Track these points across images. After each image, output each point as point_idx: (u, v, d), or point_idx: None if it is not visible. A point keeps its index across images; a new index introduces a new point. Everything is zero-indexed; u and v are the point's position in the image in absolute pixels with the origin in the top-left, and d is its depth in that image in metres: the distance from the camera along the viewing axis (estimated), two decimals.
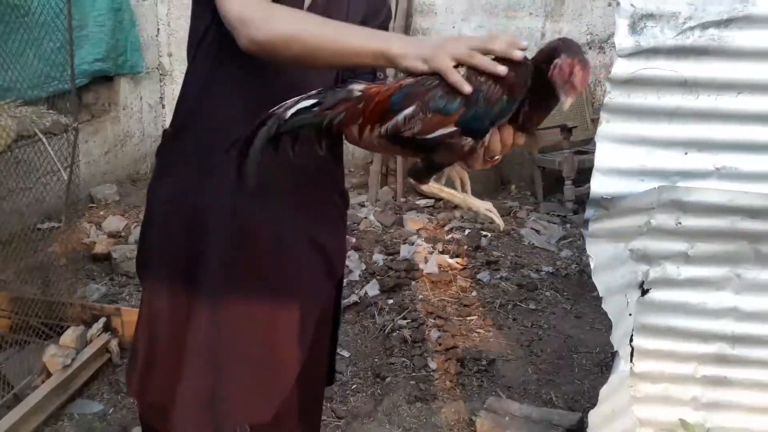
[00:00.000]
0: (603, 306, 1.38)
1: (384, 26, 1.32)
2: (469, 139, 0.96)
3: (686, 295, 1.41)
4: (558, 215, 4.29)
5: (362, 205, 4.36)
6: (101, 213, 4.03)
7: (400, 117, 0.97)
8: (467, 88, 0.93)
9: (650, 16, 1.24)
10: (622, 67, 1.27)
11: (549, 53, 0.93)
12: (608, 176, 1.32)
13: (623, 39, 1.25)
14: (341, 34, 1.02)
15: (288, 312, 1.28)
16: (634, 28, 1.25)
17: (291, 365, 1.30)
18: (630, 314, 1.42)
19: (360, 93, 1.02)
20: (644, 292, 1.41)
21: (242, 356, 1.27)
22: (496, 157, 1.00)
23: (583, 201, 4.25)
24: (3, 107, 2.12)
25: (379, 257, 3.51)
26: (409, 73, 1.00)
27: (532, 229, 3.99)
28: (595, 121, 4.53)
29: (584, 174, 4.17)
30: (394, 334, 2.79)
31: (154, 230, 1.32)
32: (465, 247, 3.69)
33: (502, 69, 0.93)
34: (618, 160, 1.32)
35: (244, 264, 1.25)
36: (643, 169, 1.32)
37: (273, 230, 1.25)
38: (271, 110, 1.02)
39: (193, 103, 1.27)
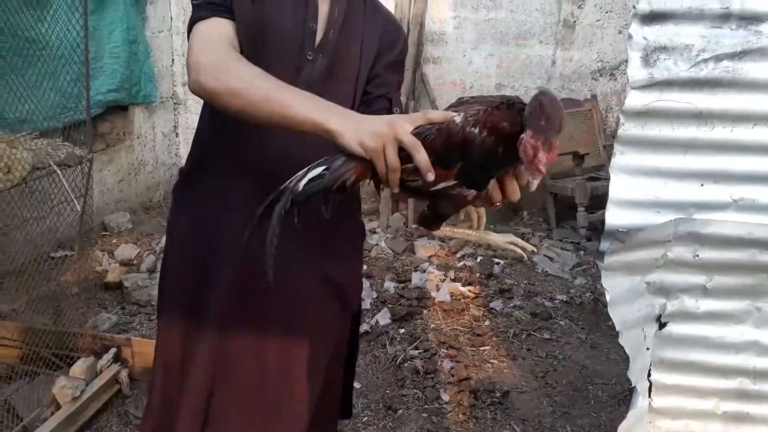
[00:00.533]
0: (620, 340, 1.36)
1: (400, 59, 1.32)
2: (472, 190, 0.97)
3: (705, 329, 1.38)
4: (571, 242, 4.26)
5: (373, 232, 4.35)
6: (114, 241, 4.05)
7: (405, 168, 0.97)
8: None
9: (663, 48, 1.23)
10: (635, 99, 1.26)
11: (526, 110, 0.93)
12: (623, 208, 1.31)
13: (636, 71, 1.24)
14: (286, 100, 1.01)
15: (300, 348, 1.26)
16: (647, 61, 1.24)
17: (302, 401, 1.28)
18: (647, 348, 1.39)
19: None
20: (662, 326, 1.38)
21: (250, 391, 1.25)
22: (497, 204, 1.00)
23: (596, 228, 4.23)
24: (19, 140, 2.15)
25: (390, 285, 3.49)
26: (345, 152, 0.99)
27: (545, 256, 3.96)
28: (607, 148, 4.54)
29: (597, 200, 4.15)
30: (406, 364, 2.75)
31: (171, 265, 1.33)
32: (477, 274, 3.66)
33: (431, 176, 0.94)
34: (633, 192, 1.31)
35: (252, 297, 1.24)
36: (658, 201, 1.30)
37: (284, 265, 1.24)
38: (283, 186, 1.00)
39: (208, 142, 1.28)
